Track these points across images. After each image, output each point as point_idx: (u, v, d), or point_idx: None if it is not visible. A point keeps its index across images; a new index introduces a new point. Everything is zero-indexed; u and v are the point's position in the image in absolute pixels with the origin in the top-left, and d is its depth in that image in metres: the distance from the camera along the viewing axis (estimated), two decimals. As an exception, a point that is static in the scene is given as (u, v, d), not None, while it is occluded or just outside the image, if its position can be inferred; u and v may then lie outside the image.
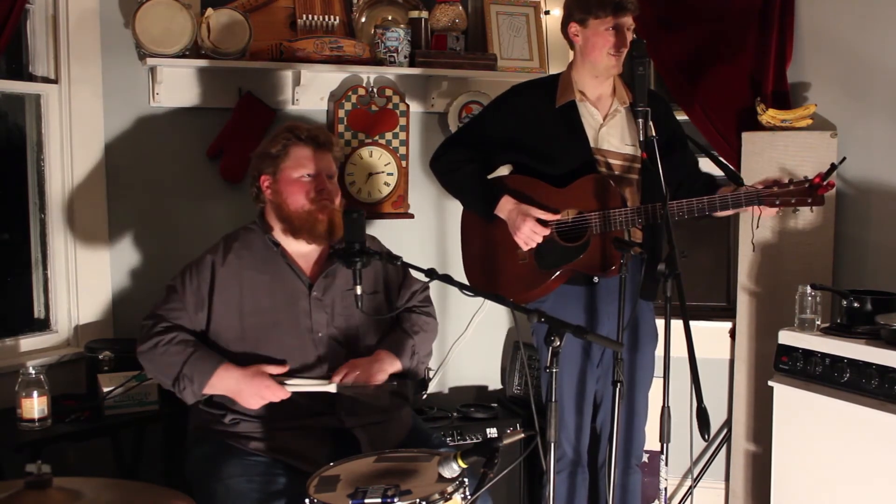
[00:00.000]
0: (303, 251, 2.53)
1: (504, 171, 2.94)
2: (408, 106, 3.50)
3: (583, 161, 2.70)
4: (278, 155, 2.50)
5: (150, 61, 3.01)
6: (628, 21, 2.66)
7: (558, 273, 2.70)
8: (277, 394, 2.35)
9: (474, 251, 2.90)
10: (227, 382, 2.36)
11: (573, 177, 2.69)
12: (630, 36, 2.67)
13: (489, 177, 2.87)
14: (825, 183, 2.53)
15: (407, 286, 2.70)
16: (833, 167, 2.58)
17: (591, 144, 2.71)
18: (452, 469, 1.91)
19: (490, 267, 2.83)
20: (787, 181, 2.57)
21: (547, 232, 2.65)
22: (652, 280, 2.73)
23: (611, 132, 2.74)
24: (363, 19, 3.53)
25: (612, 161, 2.73)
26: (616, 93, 2.78)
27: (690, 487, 3.58)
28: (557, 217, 2.68)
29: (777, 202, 2.57)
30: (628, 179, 2.75)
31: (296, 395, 2.38)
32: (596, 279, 2.69)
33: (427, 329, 2.67)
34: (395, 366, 2.51)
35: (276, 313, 2.46)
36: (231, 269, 2.47)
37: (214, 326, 2.46)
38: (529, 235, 2.65)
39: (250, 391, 2.34)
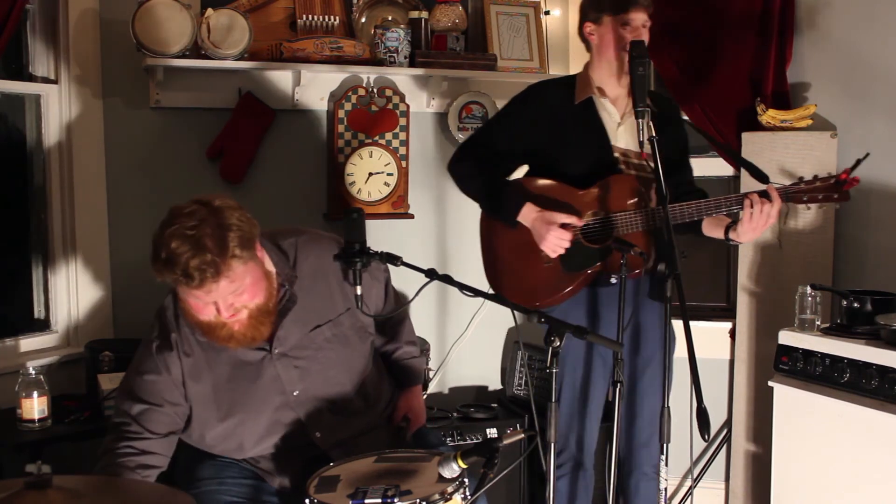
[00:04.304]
0: None
1: (523, 171, 2.91)
2: (408, 106, 3.50)
3: (603, 158, 2.66)
4: (165, 280, 2.06)
5: (150, 61, 3.01)
6: (643, 17, 2.64)
7: (586, 274, 2.66)
8: None
9: (494, 254, 2.86)
10: None
11: (595, 176, 2.65)
12: (646, 32, 2.64)
13: (510, 178, 2.84)
14: (851, 178, 2.51)
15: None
16: (858, 162, 2.54)
17: (612, 142, 2.69)
18: (452, 469, 1.91)
19: (512, 271, 2.80)
20: (812, 177, 2.54)
21: (571, 236, 2.61)
22: (663, 281, 2.71)
23: (629, 132, 2.71)
24: (363, 19, 3.54)
25: (633, 160, 2.70)
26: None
27: (690, 487, 3.58)
28: (582, 222, 2.64)
29: (804, 199, 2.54)
30: (648, 180, 2.72)
31: (271, 452, 2.26)
32: (614, 280, 2.62)
33: (417, 347, 2.64)
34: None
35: (245, 393, 2.21)
36: (192, 360, 2.19)
37: (194, 417, 2.22)
38: (556, 243, 2.61)
39: None
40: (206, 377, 2.19)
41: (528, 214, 2.66)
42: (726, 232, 2.62)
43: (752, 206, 2.50)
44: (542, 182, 2.75)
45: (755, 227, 2.52)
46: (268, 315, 2.15)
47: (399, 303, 2.60)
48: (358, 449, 2.22)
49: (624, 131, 2.71)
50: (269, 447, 2.26)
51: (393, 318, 2.55)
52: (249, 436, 2.23)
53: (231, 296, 2.05)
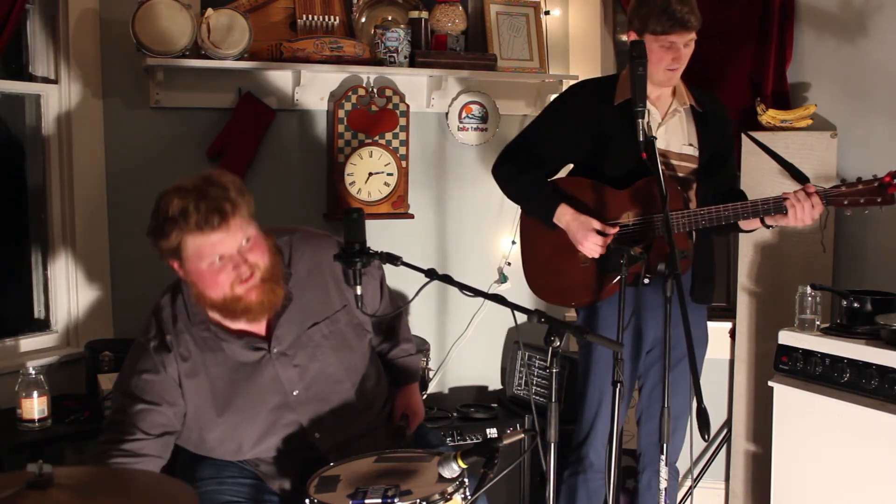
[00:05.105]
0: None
1: (566, 171, 2.90)
2: (408, 106, 3.50)
3: (642, 159, 2.62)
4: (176, 248, 2.07)
5: (150, 61, 3.00)
6: (686, 37, 2.57)
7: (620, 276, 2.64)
8: None
9: (534, 253, 2.86)
10: None
11: (634, 176, 2.64)
12: (689, 51, 2.60)
13: (553, 178, 2.84)
14: None
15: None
16: None
17: None
18: (452, 469, 1.91)
19: (551, 270, 2.80)
20: (855, 180, 2.48)
21: (609, 240, 2.60)
22: (704, 282, 2.70)
23: (670, 132, 2.69)
24: (363, 19, 3.53)
25: (672, 162, 2.68)
26: (676, 93, 2.72)
27: (690, 487, 3.58)
28: (615, 230, 2.62)
29: (845, 202, 2.47)
30: (689, 181, 2.71)
31: (271, 455, 2.26)
32: (647, 280, 2.58)
33: (413, 345, 2.65)
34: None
35: (244, 397, 2.20)
36: (191, 362, 2.19)
37: (189, 420, 2.21)
38: (593, 248, 2.61)
39: None
40: (203, 379, 2.19)
41: (563, 216, 2.66)
42: (762, 220, 2.57)
43: (794, 207, 2.46)
44: (580, 182, 2.75)
45: (797, 223, 2.50)
46: (278, 280, 2.17)
47: (394, 301, 2.61)
48: (357, 451, 2.21)
49: (665, 132, 2.69)
50: (267, 449, 2.26)
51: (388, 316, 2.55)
52: (248, 437, 2.23)
53: (245, 247, 2.08)
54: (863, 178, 2.47)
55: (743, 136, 3.40)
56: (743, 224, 2.64)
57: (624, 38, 3.92)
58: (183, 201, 2.03)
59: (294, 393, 2.24)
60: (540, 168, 2.79)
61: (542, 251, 2.83)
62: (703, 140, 2.73)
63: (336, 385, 2.30)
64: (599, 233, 2.61)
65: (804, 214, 2.46)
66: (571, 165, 2.89)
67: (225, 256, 2.07)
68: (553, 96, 3.51)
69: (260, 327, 2.24)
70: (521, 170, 2.78)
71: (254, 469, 2.30)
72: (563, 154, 2.81)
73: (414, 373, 2.61)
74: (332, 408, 2.29)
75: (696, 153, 2.72)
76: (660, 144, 2.65)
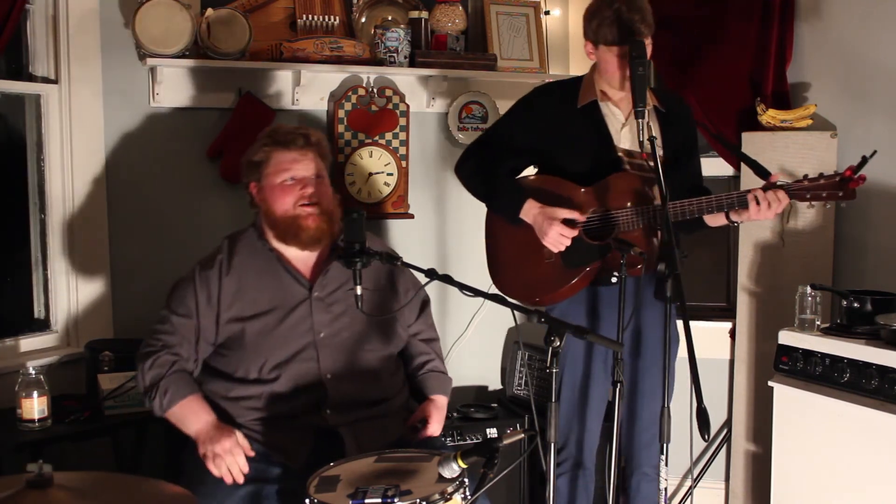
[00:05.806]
0: (300, 254, 2.49)
1: (530, 171, 2.91)
2: (408, 106, 3.50)
3: (607, 160, 2.65)
4: (261, 161, 2.47)
5: (150, 61, 3.01)
6: None
7: (586, 271, 2.66)
8: (236, 460, 2.23)
9: (498, 251, 2.87)
10: (197, 417, 2.31)
11: (597, 176, 2.65)
12: (647, 54, 2.58)
13: (516, 178, 2.84)
14: (856, 176, 2.46)
15: (422, 320, 2.70)
16: (864, 160, 2.50)
17: (615, 143, 2.67)
18: (452, 469, 1.92)
19: (515, 267, 2.81)
20: (817, 175, 2.50)
21: (574, 233, 2.61)
22: (674, 280, 2.70)
23: (634, 132, 2.67)
24: (363, 19, 3.54)
25: (637, 161, 2.69)
26: None
27: (690, 487, 3.58)
28: (584, 217, 2.63)
29: (807, 196, 2.50)
30: (653, 178, 2.72)
31: (283, 389, 2.39)
32: (614, 279, 2.60)
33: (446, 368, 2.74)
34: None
35: (277, 318, 2.43)
36: (235, 277, 2.45)
37: (217, 336, 2.44)
38: (557, 239, 2.61)
39: (213, 445, 2.23)
40: (244, 298, 2.43)
41: (530, 210, 2.67)
42: (727, 215, 2.59)
43: (758, 203, 2.49)
44: (545, 179, 2.76)
45: (761, 217, 2.52)
46: (334, 221, 2.47)
47: (433, 326, 2.74)
48: (364, 431, 2.34)
49: (628, 132, 2.69)
50: (283, 379, 2.39)
51: (428, 334, 2.71)
52: (272, 356, 2.40)
53: (315, 179, 2.46)
54: (824, 173, 2.50)
55: (742, 135, 3.41)
56: (709, 220, 2.66)
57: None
58: (281, 126, 2.55)
59: (320, 334, 2.44)
60: (502, 166, 2.80)
61: (506, 249, 2.83)
62: (665, 139, 2.74)
63: (358, 343, 2.48)
64: (568, 223, 2.60)
65: (768, 208, 2.49)
66: (534, 168, 2.90)
67: (297, 179, 2.43)
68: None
69: (307, 267, 2.49)
70: (486, 168, 2.79)
71: (261, 439, 2.35)
72: (527, 154, 2.82)
73: (443, 386, 2.64)
74: (350, 360, 2.46)
75: (661, 152, 2.72)
76: (623, 145, 2.69)
